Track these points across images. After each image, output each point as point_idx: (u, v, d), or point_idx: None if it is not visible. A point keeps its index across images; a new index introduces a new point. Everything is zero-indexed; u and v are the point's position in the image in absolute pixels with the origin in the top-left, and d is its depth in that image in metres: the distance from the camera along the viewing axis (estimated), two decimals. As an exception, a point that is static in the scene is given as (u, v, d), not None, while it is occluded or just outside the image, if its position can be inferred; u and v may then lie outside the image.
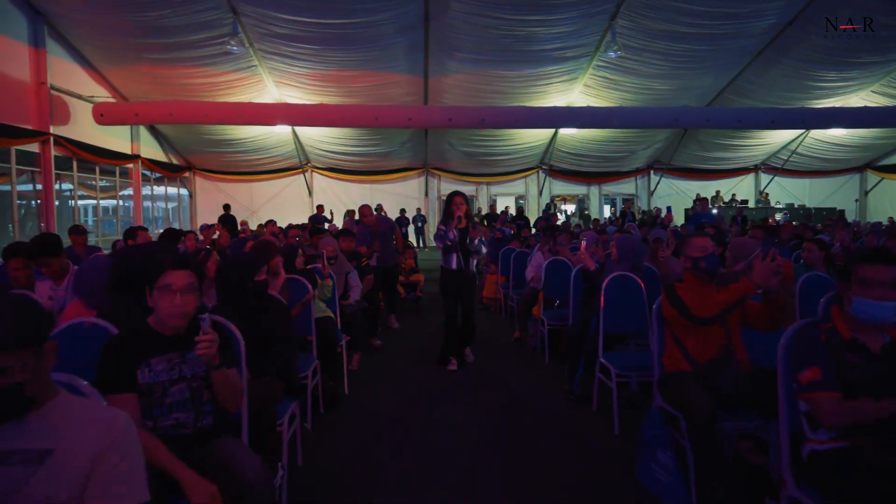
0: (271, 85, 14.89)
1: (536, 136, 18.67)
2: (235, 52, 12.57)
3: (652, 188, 21.65)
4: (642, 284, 4.04)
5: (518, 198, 21.57)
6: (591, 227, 13.17)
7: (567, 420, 4.16)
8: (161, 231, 6.99)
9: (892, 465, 1.89)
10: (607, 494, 3.06)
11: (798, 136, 19.34)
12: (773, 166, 21.32)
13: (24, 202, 11.72)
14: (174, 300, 2.13)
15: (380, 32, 12.64)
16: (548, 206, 20.02)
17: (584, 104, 16.05)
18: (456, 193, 5.35)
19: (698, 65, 14.48)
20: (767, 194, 20.86)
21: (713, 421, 2.60)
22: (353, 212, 14.66)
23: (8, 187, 11.14)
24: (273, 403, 2.72)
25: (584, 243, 4.49)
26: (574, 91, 15.87)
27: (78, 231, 6.59)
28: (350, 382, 4.93)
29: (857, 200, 21.21)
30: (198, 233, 9.21)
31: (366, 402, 4.60)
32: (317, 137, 18.15)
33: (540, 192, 21.05)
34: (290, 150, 18.71)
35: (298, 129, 17.60)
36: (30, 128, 11.37)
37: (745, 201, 19.87)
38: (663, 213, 17.03)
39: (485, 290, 9.03)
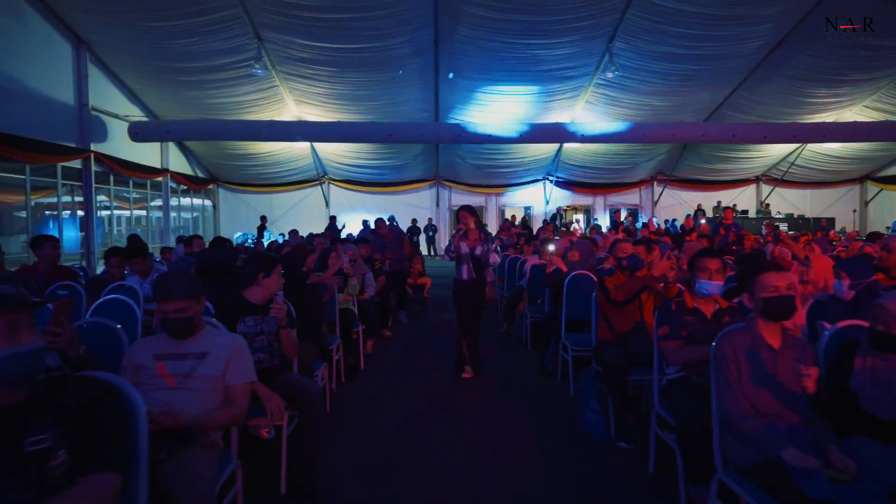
0: (291, 103, 15.83)
1: (543, 150, 19.27)
2: (259, 75, 13.52)
3: (655, 199, 22.29)
4: (596, 280, 4.99)
5: (526, 208, 22.39)
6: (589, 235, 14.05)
7: (536, 388, 5.20)
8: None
9: (707, 387, 2.84)
10: (556, 436, 4.01)
11: (796, 149, 19.85)
12: (774, 177, 21.81)
13: (53, 212, 12.76)
14: (281, 279, 3.42)
15: (393, 55, 13.55)
16: (553, 217, 20.77)
17: (586, 120, 16.72)
18: (461, 208, 5.45)
19: (693, 83, 15.16)
20: (768, 205, 21.29)
21: (624, 372, 3.61)
22: (366, 222, 15.74)
23: (46, 200, 12.27)
24: (309, 360, 3.76)
25: (550, 248, 5.47)
26: (577, 107, 16.62)
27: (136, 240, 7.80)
28: (365, 361, 6.05)
29: (855, 211, 21.58)
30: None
31: (378, 376, 5.69)
32: (334, 151, 19.01)
33: (547, 203, 21.82)
34: (309, 163, 19.58)
35: (316, 144, 18.48)
36: (73, 145, 12.44)
37: (746, 211, 20.43)
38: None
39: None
